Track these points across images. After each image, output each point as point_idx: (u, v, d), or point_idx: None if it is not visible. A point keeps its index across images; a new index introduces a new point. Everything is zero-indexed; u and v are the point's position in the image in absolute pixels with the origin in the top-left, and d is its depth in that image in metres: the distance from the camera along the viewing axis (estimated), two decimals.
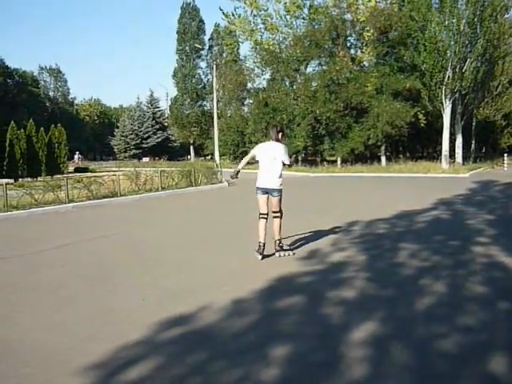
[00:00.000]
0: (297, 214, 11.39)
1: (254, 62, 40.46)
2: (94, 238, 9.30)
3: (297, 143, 36.15)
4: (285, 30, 38.79)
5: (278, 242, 7.21)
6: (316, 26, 37.33)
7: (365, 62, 37.74)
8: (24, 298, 5.50)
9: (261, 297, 5.32)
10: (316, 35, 35.63)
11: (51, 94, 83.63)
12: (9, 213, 12.77)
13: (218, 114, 42.26)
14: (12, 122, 24.78)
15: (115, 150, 69.38)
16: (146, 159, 53.20)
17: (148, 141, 66.51)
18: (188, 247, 8.27)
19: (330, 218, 10.87)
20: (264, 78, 41.52)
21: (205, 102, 60.76)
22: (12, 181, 20.99)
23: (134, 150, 65.29)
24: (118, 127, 71.15)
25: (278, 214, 7.15)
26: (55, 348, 4.04)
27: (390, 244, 8.00)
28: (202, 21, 59.22)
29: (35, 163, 25.08)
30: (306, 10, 38.19)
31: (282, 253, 7.15)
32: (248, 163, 7.52)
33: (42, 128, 26.53)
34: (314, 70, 39.27)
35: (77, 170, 34.12)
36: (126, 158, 61.54)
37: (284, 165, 7.18)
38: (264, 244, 7.00)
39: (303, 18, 38.30)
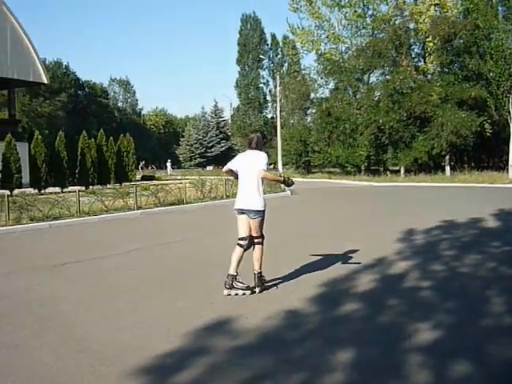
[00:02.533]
0: (360, 223, 11.45)
1: (317, 72, 40.56)
2: (162, 244, 9.69)
3: (360, 152, 35.91)
4: (347, 40, 38.75)
5: (258, 274, 5.92)
6: (378, 36, 37.07)
7: (429, 71, 37.06)
8: (99, 299, 5.85)
9: (322, 302, 5.43)
10: (379, 45, 35.35)
11: (120, 104, 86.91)
12: (81, 218, 13.44)
13: (280, 123, 42.54)
14: (84, 131, 25.89)
15: (180, 158, 71.11)
16: (209, 168, 54.17)
17: (212, 150, 67.85)
18: (249, 255, 8.46)
19: (394, 227, 10.80)
20: (327, 88, 41.51)
21: (267, 112, 61.41)
22: (83, 188, 21.98)
23: (198, 159, 66.72)
24: (183, 136, 72.93)
25: (259, 240, 5.95)
26: (128, 346, 4.28)
27: (456, 253, 7.92)
28: (263, 31, 59.92)
29: (105, 171, 26.06)
30: (368, 20, 38.04)
31: (239, 291, 5.80)
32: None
33: (111, 137, 27.52)
34: (377, 80, 39.00)
35: (143, 178, 35.23)
36: (191, 166, 62.90)
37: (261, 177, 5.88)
38: (234, 276, 5.77)
39: (365, 28, 38.14)
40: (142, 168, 56.03)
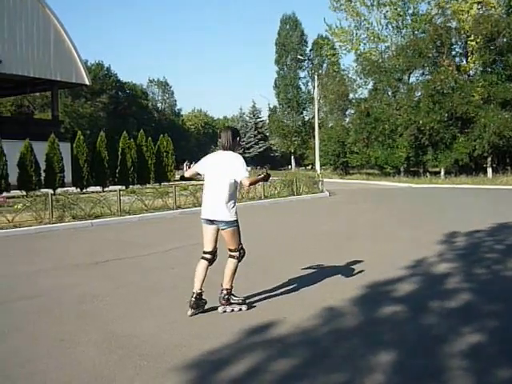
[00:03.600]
0: (398, 224, 11.31)
1: (356, 72, 40.25)
2: (201, 243, 9.75)
3: (399, 154, 35.45)
4: (387, 39, 38.30)
5: (225, 291, 5.19)
6: (419, 35, 36.51)
7: (470, 71, 36.29)
8: (139, 296, 5.95)
9: (362, 303, 5.40)
10: (419, 44, 34.84)
11: (159, 105, 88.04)
12: (122, 217, 13.69)
13: (318, 124, 42.40)
14: (124, 132, 26.33)
15: None
16: (248, 168, 54.41)
17: (250, 150, 68.04)
18: (289, 256, 8.49)
19: (434, 228, 10.67)
20: (366, 88, 41.16)
21: (305, 112, 61.23)
22: (123, 187, 22.34)
23: None
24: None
25: (235, 254, 5.19)
26: (169, 344, 4.35)
27: (499, 257, 7.78)
28: (302, 32, 59.80)
29: (144, 171, 26.42)
30: (408, 19, 37.51)
31: (228, 307, 5.19)
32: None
33: (150, 138, 27.88)
34: (417, 80, 38.47)
35: (182, 178, 35.54)
36: None
37: (237, 183, 5.16)
38: (199, 294, 5.13)
39: (405, 27, 37.62)
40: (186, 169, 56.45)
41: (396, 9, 37.02)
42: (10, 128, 24.51)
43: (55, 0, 62.00)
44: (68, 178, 22.78)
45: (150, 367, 3.87)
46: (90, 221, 12.90)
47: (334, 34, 39.79)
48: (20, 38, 25.07)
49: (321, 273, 6.89)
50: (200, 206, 5.00)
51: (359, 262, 7.54)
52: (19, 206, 12.77)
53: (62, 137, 23.20)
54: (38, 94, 45.81)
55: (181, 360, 3.98)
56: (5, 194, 18.15)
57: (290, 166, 62.51)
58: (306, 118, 60.70)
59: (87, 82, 29.30)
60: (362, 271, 6.88)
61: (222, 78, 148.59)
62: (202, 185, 5.50)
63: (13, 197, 16.41)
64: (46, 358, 4.11)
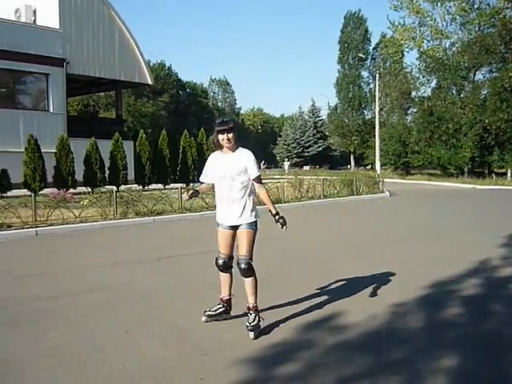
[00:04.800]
0: (461, 226, 10.94)
1: (419, 70, 39.24)
2: (261, 240, 9.78)
3: (463, 154, 34.32)
4: (451, 35, 37.11)
5: (251, 307, 4.59)
6: (486, 30, 35.17)
7: None
8: (199, 293, 6.00)
9: (424, 305, 5.27)
10: (486, 40, 33.57)
11: (219, 104, 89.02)
12: (183, 214, 13.88)
13: (379, 122, 41.66)
14: (185, 130, 26.71)
15: (277, 158, 71.64)
16: (306, 167, 54.19)
17: (309, 149, 67.81)
18: (350, 255, 8.39)
19: (498, 231, 10.29)
20: (429, 86, 40.06)
21: (366, 111, 60.33)
22: (184, 185, 22.66)
23: (295, 159, 66.87)
24: (280, 136, 73.43)
25: (248, 262, 4.58)
26: (228, 340, 4.39)
27: None
28: (366, 30, 58.89)
29: None
30: (474, 14, 36.18)
31: (255, 332, 4.44)
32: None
33: (210, 136, 28.11)
34: (483, 77, 37.10)
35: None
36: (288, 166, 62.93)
37: (253, 181, 4.61)
38: (228, 300, 4.81)
39: (471, 23, 36.31)
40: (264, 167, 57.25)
41: (461, 3, 35.80)
42: (76, 127, 25.40)
43: (118, 1, 63.68)
44: (131, 175, 23.31)
45: (211, 362, 3.93)
46: (152, 217, 13.16)
47: (397, 31, 38.92)
48: (87, 40, 25.91)
49: (383, 272, 6.80)
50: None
51: (421, 262, 7.43)
52: (85, 202, 13.12)
53: (125, 135, 23.79)
54: (102, 93, 47.31)
55: (242, 356, 4.01)
56: (71, 190, 18.77)
57: (349, 166, 61.78)
58: (367, 117, 59.75)
59: (150, 82, 29.94)
60: (423, 272, 6.75)
61: (282, 76, 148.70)
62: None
63: (79, 193, 16.92)
64: (111, 348, 4.23)
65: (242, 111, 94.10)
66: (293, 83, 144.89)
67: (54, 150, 20.46)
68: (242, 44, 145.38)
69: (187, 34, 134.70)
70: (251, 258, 4.61)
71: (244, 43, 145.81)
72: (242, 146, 4.63)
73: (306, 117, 73.00)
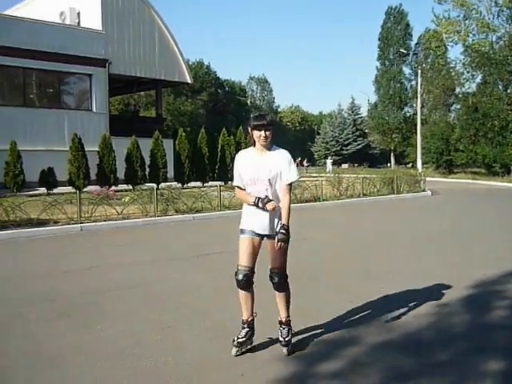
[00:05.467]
0: (507, 226, 10.62)
1: (464, 65, 38.25)
2: (298, 239, 9.73)
3: (510, 152, 33.27)
4: (498, 29, 35.98)
5: (284, 321, 4.12)
6: None
7: None
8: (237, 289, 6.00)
9: (471, 305, 5.16)
10: None
11: (258, 102, 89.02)
12: (222, 212, 13.93)
13: (421, 120, 40.81)
14: (223, 129, 26.87)
15: (315, 155, 71.18)
16: (345, 166, 53.74)
17: (348, 147, 67.13)
18: (389, 255, 8.23)
19: None
20: (474, 82, 38.97)
21: (407, 108, 59.22)
22: (222, 183, 22.78)
23: (334, 157, 66.37)
24: (318, 134, 72.96)
25: (279, 275, 4.06)
26: (267, 335, 4.35)
27: None
28: (408, 25, 57.71)
29: None
30: None
31: (289, 348, 4.03)
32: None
33: (248, 135, 28.16)
34: None
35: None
36: (325, 163, 62.45)
37: (286, 185, 3.96)
38: (251, 322, 4.12)
39: None
40: (298, 165, 57.10)
41: None
42: (118, 126, 25.89)
43: (157, 0, 64.30)
44: (170, 173, 23.60)
45: (252, 358, 3.94)
46: (191, 215, 13.25)
47: (441, 25, 38.00)
48: (128, 40, 26.34)
49: (425, 272, 6.68)
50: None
51: (465, 263, 7.30)
52: (127, 200, 13.38)
53: (165, 134, 24.11)
54: (142, 92, 47.96)
55: (282, 352, 4.01)
56: (113, 187, 19.11)
57: (389, 164, 60.78)
58: (408, 114, 58.64)
59: (189, 81, 30.20)
60: (468, 273, 6.57)
61: (321, 73, 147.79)
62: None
63: (120, 190, 17.25)
64: (153, 342, 4.28)
65: (279, 109, 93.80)
66: (332, 80, 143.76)
67: (97, 149, 20.96)
68: (280, 42, 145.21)
69: (226, 31, 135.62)
70: (286, 272, 4.07)
71: (283, 41, 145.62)
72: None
73: (346, 114, 72.28)
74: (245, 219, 4.07)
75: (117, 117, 35.88)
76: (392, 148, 59.70)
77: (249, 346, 4.05)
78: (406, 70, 59.20)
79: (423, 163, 39.98)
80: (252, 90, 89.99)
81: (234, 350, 3.98)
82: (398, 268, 7.04)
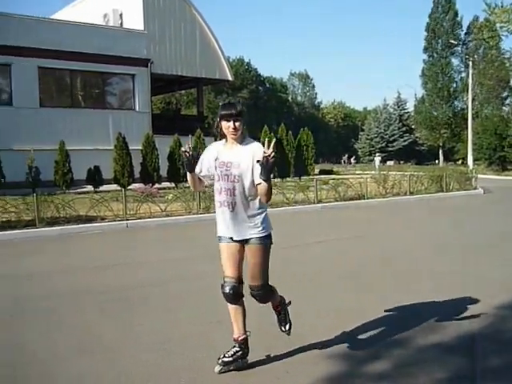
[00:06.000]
0: None
1: None
2: (343, 239, 9.51)
3: None
4: None
5: (274, 307, 3.86)
6: None
7: None
8: (294, 286, 5.74)
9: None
10: None
11: (299, 98, 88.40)
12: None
13: (472, 114, 39.37)
14: (265, 126, 26.76)
15: (359, 152, 70.05)
16: (390, 163, 52.57)
17: (394, 144, 65.58)
18: (447, 256, 7.86)
19: None
20: None
21: (456, 102, 57.25)
22: None
23: (378, 153, 65.17)
24: (362, 130, 71.73)
25: (259, 293, 3.60)
26: (326, 330, 4.27)
27: None
28: (456, 14, 55.66)
29: (284, 165, 26.53)
30: None
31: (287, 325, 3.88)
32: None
33: (290, 131, 27.97)
34: None
35: (321, 172, 35.25)
36: (370, 161, 61.32)
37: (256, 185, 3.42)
38: (242, 341, 3.62)
39: None
40: (345, 162, 56.88)
41: None
42: (160, 124, 26.15)
43: None
44: None
45: (299, 354, 3.86)
46: None
47: (494, 13, 36.60)
48: (169, 39, 26.50)
49: (480, 272, 6.47)
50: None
51: None
52: (170, 197, 13.58)
53: (206, 132, 24.07)
54: (183, 91, 48.28)
55: (330, 351, 3.92)
56: (157, 185, 19.29)
57: (437, 161, 59.03)
58: (458, 109, 56.66)
59: (230, 78, 30.11)
60: None
61: (364, 68, 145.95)
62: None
63: (163, 188, 17.41)
64: (204, 335, 4.34)
65: (322, 105, 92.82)
66: (376, 75, 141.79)
67: (140, 147, 21.22)
68: (322, 36, 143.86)
69: (266, 27, 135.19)
70: (267, 284, 3.60)
71: (325, 36, 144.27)
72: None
73: (391, 109, 70.71)
74: (219, 225, 3.60)
75: (159, 115, 36.26)
76: (440, 144, 57.93)
77: (240, 366, 3.60)
78: (455, 62, 57.13)
79: (474, 160, 38.54)
80: (293, 86, 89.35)
81: (217, 367, 3.55)
82: (450, 267, 6.79)
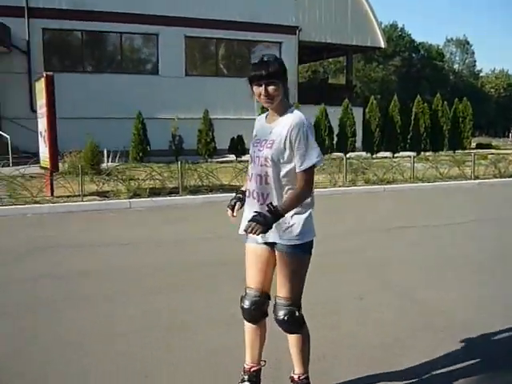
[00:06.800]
0: None
1: None
2: (491, 219, 8.69)
3: None
4: None
5: (297, 379, 2.77)
6: None
7: None
8: (432, 267, 5.43)
9: None
10: None
11: (456, 66, 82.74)
12: (414, 184, 13.21)
13: None
14: (418, 96, 25.36)
15: None
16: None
17: None
18: None
19: None
20: None
21: None
22: (414, 154, 21.58)
23: None
24: None
25: (286, 309, 2.64)
26: (462, 319, 3.89)
27: None
28: None
29: (438, 137, 25.07)
30: None
31: None
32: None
33: (445, 102, 26.30)
34: None
35: (478, 146, 32.78)
36: None
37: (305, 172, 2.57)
38: (254, 373, 2.85)
39: None
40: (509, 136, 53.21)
41: None
42: (306, 94, 25.78)
43: None
44: (358, 142, 22.97)
45: (446, 339, 3.64)
46: (382, 186, 12.73)
47: None
48: (319, 5, 25.88)
49: None
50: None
51: None
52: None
53: (354, 102, 23.43)
54: (330, 59, 47.45)
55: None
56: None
57: None
58: None
59: (383, 45, 28.82)
60: None
61: None
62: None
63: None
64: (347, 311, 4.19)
65: (482, 73, 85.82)
66: None
67: None
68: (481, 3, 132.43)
69: None
70: (298, 304, 2.68)
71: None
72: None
73: None
74: (244, 220, 2.66)
75: (305, 84, 35.96)
76: None
77: None
78: None
79: None
80: (451, 53, 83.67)
81: None
82: None
